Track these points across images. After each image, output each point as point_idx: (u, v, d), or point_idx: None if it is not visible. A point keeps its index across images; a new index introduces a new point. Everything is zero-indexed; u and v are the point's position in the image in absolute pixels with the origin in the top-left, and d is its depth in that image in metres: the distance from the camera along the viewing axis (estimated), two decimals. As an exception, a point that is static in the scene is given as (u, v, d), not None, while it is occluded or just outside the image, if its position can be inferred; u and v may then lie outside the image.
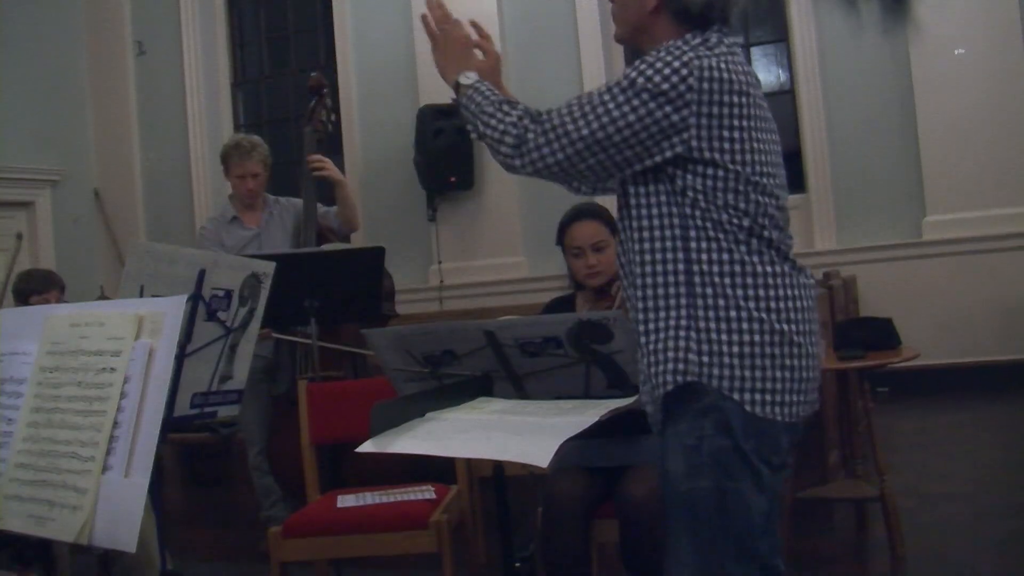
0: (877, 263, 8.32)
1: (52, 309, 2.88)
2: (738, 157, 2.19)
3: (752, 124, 2.21)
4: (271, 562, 3.79)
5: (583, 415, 2.49)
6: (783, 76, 9.04)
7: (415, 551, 3.77)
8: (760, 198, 2.22)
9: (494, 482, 2.86)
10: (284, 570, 3.79)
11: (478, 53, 2.59)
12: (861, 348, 4.56)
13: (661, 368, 2.23)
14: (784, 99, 8.86)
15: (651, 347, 2.26)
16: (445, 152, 8.86)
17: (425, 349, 2.98)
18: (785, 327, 2.19)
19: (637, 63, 2.23)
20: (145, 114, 10.69)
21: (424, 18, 2.59)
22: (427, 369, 3.01)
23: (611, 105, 2.19)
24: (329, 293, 4.70)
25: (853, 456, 5.02)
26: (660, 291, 2.24)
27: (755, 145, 2.22)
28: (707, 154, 2.18)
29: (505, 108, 2.34)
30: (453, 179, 9.02)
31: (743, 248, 2.20)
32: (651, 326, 2.26)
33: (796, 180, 8.64)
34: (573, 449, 3.47)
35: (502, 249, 9.26)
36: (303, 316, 4.70)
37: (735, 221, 2.19)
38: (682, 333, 2.20)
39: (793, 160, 8.63)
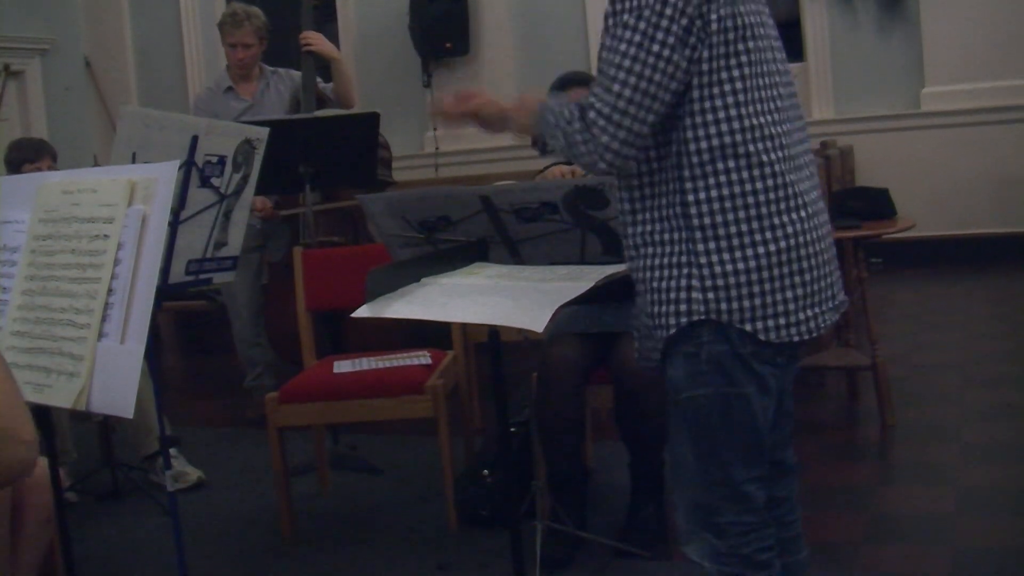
0: (875, 133, 8.25)
1: (44, 177, 2.86)
2: (725, 37, 2.04)
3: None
4: (268, 427, 3.83)
5: (578, 281, 2.49)
6: (784, -58, 8.86)
7: (411, 416, 3.81)
8: (760, 82, 2.09)
9: (489, 348, 2.87)
10: (281, 435, 3.84)
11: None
12: (856, 218, 4.54)
13: (664, 309, 2.14)
14: (785, -34, 8.71)
15: (654, 284, 2.16)
16: (440, 17, 8.68)
17: (421, 215, 2.98)
18: (792, 241, 2.09)
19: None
20: (135, -20, 10.47)
21: (443, 116, 2.47)
22: (423, 235, 3.01)
23: (632, 49, 2.08)
24: (324, 159, 4.67)
25: (846, 325, 5.05)
26: (659, 225, 2.14)
27: (743, 21, 2.06)
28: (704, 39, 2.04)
29: (566, 113, 2.19)
30: (448, 45, 8.84)
31: (742, 163, 2.06)
32: (656, 261, 2.15)
33: (795, 48, 8.53)
34: (568, 315, 3.49)
35: (498, 116, 9.14)
36: (298, 182, 4.68)
37: (736, 121, 2.06)
38: (684, 271, 2.10)
39: (792, 28, 8.51)
